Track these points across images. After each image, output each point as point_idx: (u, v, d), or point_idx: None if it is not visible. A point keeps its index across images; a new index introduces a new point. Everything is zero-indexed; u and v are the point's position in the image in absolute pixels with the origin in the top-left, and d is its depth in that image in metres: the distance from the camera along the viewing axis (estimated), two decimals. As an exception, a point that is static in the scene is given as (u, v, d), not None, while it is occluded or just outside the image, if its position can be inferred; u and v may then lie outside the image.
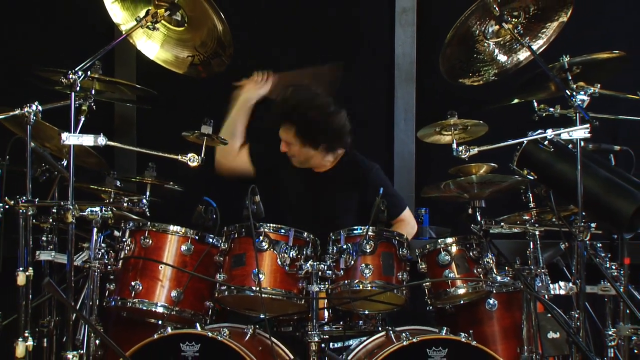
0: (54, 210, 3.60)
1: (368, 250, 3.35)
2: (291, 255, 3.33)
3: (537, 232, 3.44)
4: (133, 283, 3.39)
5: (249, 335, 3.36)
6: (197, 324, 3.30)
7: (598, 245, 3.59)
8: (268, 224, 3.36)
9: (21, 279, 3.20)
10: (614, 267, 3.51)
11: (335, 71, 4.09)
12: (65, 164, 3.49)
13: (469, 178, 3.46)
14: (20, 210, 3.25)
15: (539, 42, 3.53)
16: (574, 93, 3.29)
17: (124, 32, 3.49)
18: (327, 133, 3.92)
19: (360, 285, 3.33)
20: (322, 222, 3.84)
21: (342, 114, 3.95)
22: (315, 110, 3.89)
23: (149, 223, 3.49)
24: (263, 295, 3.27)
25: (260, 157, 4.10)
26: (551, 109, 3.75)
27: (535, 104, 3.78)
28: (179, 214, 3.71)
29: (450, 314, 3.57)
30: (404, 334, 3.24)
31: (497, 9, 3.35)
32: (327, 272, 3.30)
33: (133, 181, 3.79)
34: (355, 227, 3.42)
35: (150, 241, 3.44)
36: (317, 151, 3.96)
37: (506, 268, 3.47)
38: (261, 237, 3.32)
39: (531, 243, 3.45)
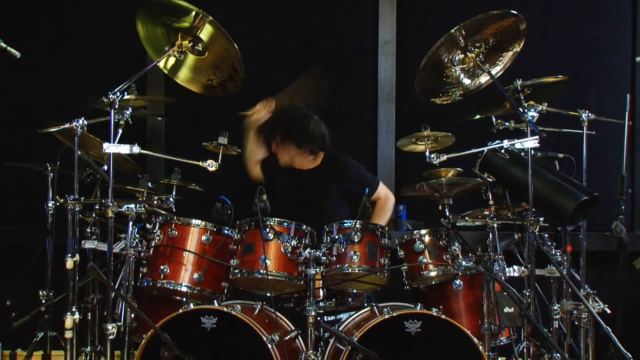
0: (97, 207, 3.59)
1: (356, 240, 3.35)
2: (292, 244, 3.33)
3: (495, 225, 3.45)
4: (162, 267, 3.39)
5: (257, 310, 3.36)
6: (215, 301, 3.31)
7: (545, 235, 3.59)
8: (273, 218, 3.36)
9: (69, 263, 3.21)
10: (558, 254, 3.51)
11: (319, 74, 4.05)
12: (105, 168, 3.49)
13: (439, 180, 3.47)
14: (69, 207, 3.26)
15: (497, 68, 3.54)
16: (526, 110, 3.30)
17: (154, 60, 3.51)
18: (307, 138, 3.86)
19: (350, 269, 3.33)
20: (312, 211, 3.84)
21: (320, 125, 3.89)
22: (296, 120, 3.86)
23: (175, 217, 3.48)
24: (269, 277, 3.28)
25: (266, 170, 4.08)
26: (507, 123, 3.76)
27: (494, 119, 3.78)
28: (199, 210, 3.71)
29: (423, 293, 3.57)
30: (385, 309, 3.25)
31: (462, 41, 3.36)
32: (322, 258, 3.29)
33: (162, 183, 3.79)
34: (346, 221, 3.41)
35: (176, 232, 3.44)
36: (300, 151, 3.90)
37: (470, 254, 3.48)
38: (267, 229, 3.32)
39: (490, 234, 3.46)
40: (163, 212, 3.63)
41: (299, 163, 3.97)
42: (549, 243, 3.54)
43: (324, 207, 3.90)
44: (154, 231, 3.48)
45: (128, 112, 3.40)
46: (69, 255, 3.21)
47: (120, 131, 3.37)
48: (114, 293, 3.22)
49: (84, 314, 3.62)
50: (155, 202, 3.54)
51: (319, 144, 3.90)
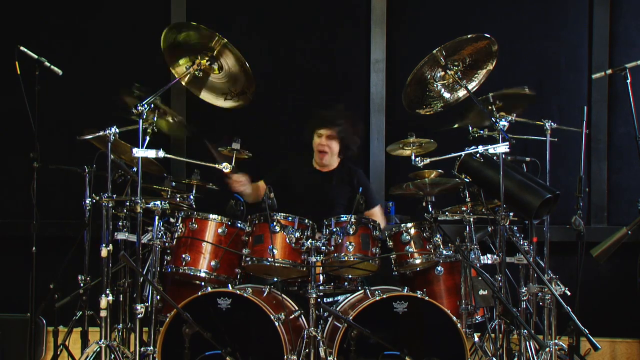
0: (127, 203, 3.57)
1: (351, 232, 3.33)
2: (296, 236, 3.31)
3: (471, 219, 3.43)
4: (184, 255, 3.37)
5: (266, 292, 3.34)
6: (229, 285, 3.30)
7: (514, 228, 3.55)
8: (279, 213, 3.34)
9: (104, 252, 3.19)
10: (525, 244, 3.48)
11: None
12: (135, 170, 3.46)
13: (423, 180, 3.44)
14: (103, 203, 3.24)
15: (473, 83, 3.53)
16: (498, 120, 3.27)
17: (177, 76, 3.49)
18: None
19: (346, 257, 3.31)
20: (324, 205, 3.81)
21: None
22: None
23: (195, 212, 3.46)
24: (276, 264, 3.26)
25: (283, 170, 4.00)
26: (481, 131, 3.73)
27: (470, 127, 3.76)
28: (216, 206, 3.69)
29: (409, 278, 3.54)
30: (377, 292, 3.24)
31: (443, 60, 3.35)
32: (322, 247, 3.29)
33: (183, 183, 3.76)
34: (342, 215, 3.40)
35: (196, 225, 3.42)
36: (338, 152, 3.92)
37: (449, 244, 3.45)
38: (275, 223, 3.30)
39: (467, 227, 3.44)
40: (185, 207, 3.61)
41: (327, 161, 3.94)
42: (518, 234, 3.50)
43: (333, 204, 3.86)
44: (177, 224, 3.46)
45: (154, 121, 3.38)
46: (104, 245, 3.19)
47: (147, 138, 3.36)
48: (142, 278, 3.20)
49: (117, 296, 3.60)
50: (178, 199, 3.54)
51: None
